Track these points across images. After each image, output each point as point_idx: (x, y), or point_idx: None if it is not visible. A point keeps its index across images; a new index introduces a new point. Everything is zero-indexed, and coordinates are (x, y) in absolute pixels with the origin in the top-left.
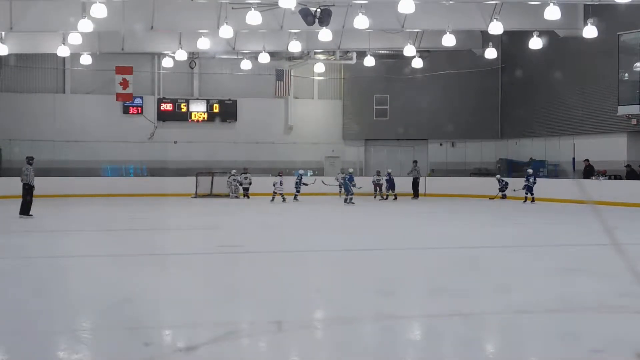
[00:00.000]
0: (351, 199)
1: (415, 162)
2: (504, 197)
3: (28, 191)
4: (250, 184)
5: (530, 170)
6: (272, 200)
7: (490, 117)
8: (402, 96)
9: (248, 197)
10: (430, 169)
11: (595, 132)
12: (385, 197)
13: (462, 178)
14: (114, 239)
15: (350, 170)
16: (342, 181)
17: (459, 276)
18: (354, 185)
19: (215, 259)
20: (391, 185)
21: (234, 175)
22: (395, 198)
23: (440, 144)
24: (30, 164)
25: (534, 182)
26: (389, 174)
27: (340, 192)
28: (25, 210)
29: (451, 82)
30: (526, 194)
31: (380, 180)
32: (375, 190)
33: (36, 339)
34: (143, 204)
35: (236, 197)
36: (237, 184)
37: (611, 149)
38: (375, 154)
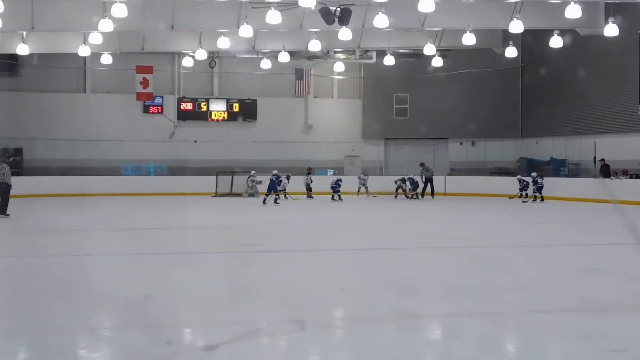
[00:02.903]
0: (276, 199)
1: (422, 164)
2: (524, 196)
3: (5, 190)
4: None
5: (534, 173)
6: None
7: (511, 116)
8: (422, 95)
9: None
10: (451, 168)
11: (616, 131)
12: (411, 196)
13: (482, 177)
14: (134, 238)
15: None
16: (362, 182)
17: (479, 275)
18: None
19: (235, 257)
20: (415, 185)
21: (252, 176)
22: (417, 197)
23: (461, 143)
24: (7, 163)
25: (542, 184)
26: (411, 179)
27: (358, 191)
28: (2, 209)
29: (471, 81)
30: (534, 192)
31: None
32: (397, 191)
33: (58, 337)
34: (163, 203)
35: (251, 195)
36: (254, 184)
37: (633, 148)
38: (395, 153)
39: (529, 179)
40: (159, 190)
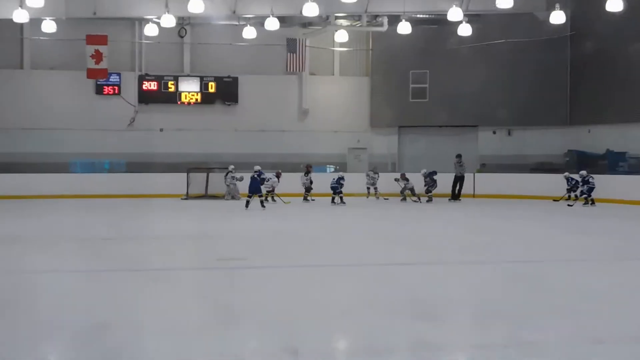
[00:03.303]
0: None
1: (459, 156)
2: (572, 198)
3: None
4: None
5: (584, 172)
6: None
7: (557, 98)
8: (446, 72)
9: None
10: (481, 164)
11: None
12: (417, 199)
13: (520, 175)
14: (87, 251)
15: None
16: (372, 182)
17: (516, 296)
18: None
19: (213, 275)
20: (431, 184)
21: (232, 172)
22: (419, 199)
23: (494, 132)
24: None
25: (593, 184)
26: (429, 175)
27: (368, 192)
28: None
29: (507, 54)
30: (584, 194)
31: (407, 184)
32: (403, 193)
33: None
34: (122, 208)
35: (232, 198)
36: (233, 182)
37: None
38: (411, 145)
39: (577, 177)
40: (116, 191)
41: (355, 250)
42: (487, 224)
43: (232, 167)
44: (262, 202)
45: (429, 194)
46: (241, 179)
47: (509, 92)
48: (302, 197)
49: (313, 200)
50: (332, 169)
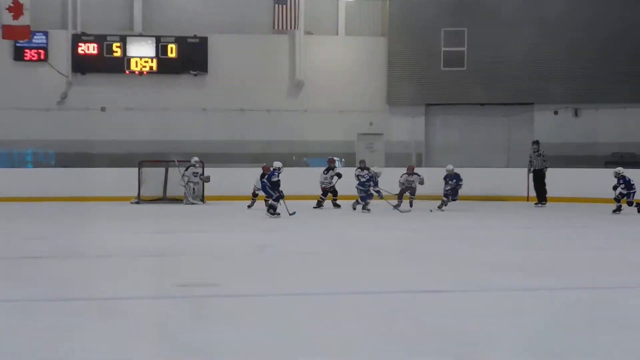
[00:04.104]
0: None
1: (536, 143)
2: (624, 201)
3: None
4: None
5: (620, 169)
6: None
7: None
8: (490, 31)
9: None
10: None
11: None
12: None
13: (590, 170)
14: (9, 273)
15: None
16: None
17: (589, 334)
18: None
19: (174, 305)
20: (454, 187)
21: (195, 166)
22: (445, 205)
23: (555, 112)
24: None
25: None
26: (455, 178)
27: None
28: None
29: (573, 8)
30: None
31: (411, 182)
32: (400, 195)
33: None
34: (51, 215)
35: (198, 201)
36: (194, 180)
37: None
38: (442, 130)
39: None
40: (41, 192)
41: (364, 273)
42: (542, 237)
43: (195, 159)
44: (271, 207)
45: (448, 200)
46: (207, 179)
47: (575, 59)
48: (316, 201)
49: (338, 206)
50: (337, 162)
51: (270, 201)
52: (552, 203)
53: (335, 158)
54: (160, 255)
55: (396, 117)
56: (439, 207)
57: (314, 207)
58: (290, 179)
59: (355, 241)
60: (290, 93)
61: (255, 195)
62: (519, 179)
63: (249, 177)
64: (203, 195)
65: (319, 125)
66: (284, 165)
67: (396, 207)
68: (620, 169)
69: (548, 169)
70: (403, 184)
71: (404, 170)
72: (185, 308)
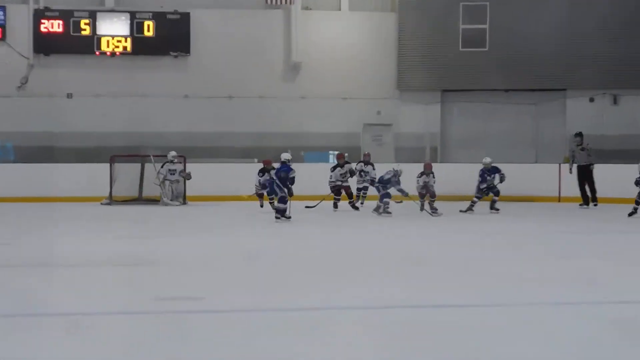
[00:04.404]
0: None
1: (579, 135)
2: None
3: None
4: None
5: None
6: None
7: None
8: (515, 6)
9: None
10: (570, 149)
11: None
12: (471, 207)
13: (634, 167)
14: None
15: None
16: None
17: (633, 355)
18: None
19: (149, 323)
20: (489, 185)
21: (172, 161)
22: (436, 211)
23: (591, 100)
24: None
25: None
26: (494, 172)
27: (358, 197)
28: None
29: None
30: None
31: (428, 182)
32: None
33: None
34: (11, 217)
35: (178, 201)
36: (175, 179)
37: None
38: (460, 120)
39: None
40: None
41: (372, 284)
42: (578, 242)
43: (172, 154)
44: (278, 211)
45: (479, 198)
46: (188, 176)
47: (614, 38)
48: (333, 203)
49: (361, 204)
50: (288, 154)
51: (276, 203)
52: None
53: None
54: (134, 265)
55: (407, 106)
56: (469, 208)
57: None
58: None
59: (363, 249)
60: (286, 77)
61: (261, 195)
62: (550, 177)
63: (238, 174)
64: (185, 195)
65: (319, 115)
66: (280, 161)
67: (433, 211)
68: None
69: (594, 165)
70: (422, 187)
71: (408, 165)
72: (164, 325)
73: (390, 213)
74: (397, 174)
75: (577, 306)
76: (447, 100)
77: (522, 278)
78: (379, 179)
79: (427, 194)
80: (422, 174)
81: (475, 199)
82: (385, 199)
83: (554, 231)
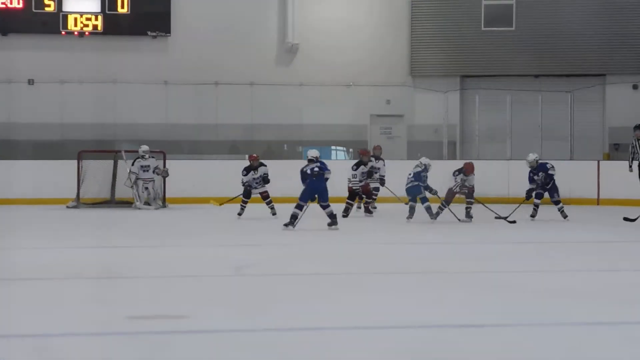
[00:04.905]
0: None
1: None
2: None
3: None
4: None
5: None
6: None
7: None
8: None
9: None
10: (612, 144)
11: None
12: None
13: None
14: None
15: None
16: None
17: None
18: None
19: (123, 345)
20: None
21: (143, 157)
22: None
23: (634, 87)
24: None
25: None
26: (541, 169)
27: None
28: None
29: None
30: None
31: (467, 181)
32: (449, 200)
33: None
34: None
35: (156, 204)
36: (149, 178)
37: None
38: (483, 110)
39: None
40: None
41: (387, 301)
42: (629, 252)
43: (144, 148)
44: (329, 218)
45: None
46: (166, 173)
47: None
48: (345, 208)
49: (375, 208)
50: (343, 153)
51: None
52: (631, 207)
53: (379, 146)
54: (105, 278)
55: (422, 94)
56: (531, 216)
57: (343, 216)
58: (280, 175)
59: (371, 259)
60: (280, 62)
61: (248, 196)
62: (587, 176)
63: (224, 172)
64: (164, 197)
65: (319, 104)
66: (273, 157)
67: (469, 218)
68: None
69: (609, 160)
70: (462, 186)
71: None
72: (139, 347)
73: (435, 218)
74: (426, 169)
75: (619, 326)
76: (468, 88)
77: (561, 294)
78: (413, 176)
79: (464, 195)
80: (458, 171)
81: (535, 206)
82: (426, 203)
83: (599, 238)
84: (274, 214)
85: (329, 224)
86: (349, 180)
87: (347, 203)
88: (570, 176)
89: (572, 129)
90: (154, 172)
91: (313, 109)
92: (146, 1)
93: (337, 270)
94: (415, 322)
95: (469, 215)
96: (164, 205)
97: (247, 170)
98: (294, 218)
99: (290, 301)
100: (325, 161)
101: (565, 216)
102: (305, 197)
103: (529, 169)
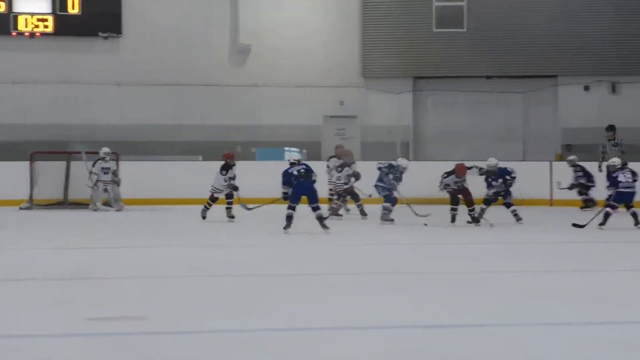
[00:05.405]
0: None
1: (612, 129)
2: None
3: None
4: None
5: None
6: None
7: None
8: None
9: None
10: (564, 144)
11: None
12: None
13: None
14: None
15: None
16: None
17: None
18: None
19: (84, 346)
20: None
21: (104, 159)
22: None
23: (586, 88)
24: None
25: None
26: (502, 175)
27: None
28: None
29: None
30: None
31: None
32: (455, 200)
33: None
34: None
35: (117, 206)
36: (109, 180)
37: None
38: (436, 111)
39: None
40: None
41: (379, 301)
42: (606, 255)
43: (105, 150)
44: (323, 221)
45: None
46: (116, 178)
47: (612, 18)
48: (335, 213)
49: (347, 210)
50: (297, 153)
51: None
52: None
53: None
54: (63, 279)
55: (375, 95)
56: (480, 218)
57: (331, 214)
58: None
59: (354, 258)
60: (234, 62)
61: (214, 199)
62: (540, 177)
63: (179, 173)
64: (118, 197)
65: (273, 105)
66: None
67: (476, 222)
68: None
69: (561, 161)
70: (457, 187)
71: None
72: (101, 349)
73: (392, 220)
74: (397, 170)
75: (604, 326)
76: (421, 89)
77: (550, 294)
78: (379, 177)
79: (462, 197)
80: (448, 174)
81: (483, 206)
82: (391, 204)
83: (582, 241)
84: (232, 216)
85: (322, 226)
86: (329, 182)
87: (334, 203)
88: (523, 177)
89: (525, 129)
90: (112, 175)
91: (267, 110)
92: (97, 2)
93: (329, 270)
94: (406, 322)
95: (474, 219)
96: (122, 208)
97: (225, 169)
98: (289, 219)
99: (281, 301)
100: (275, 162)
101: (518, 219)
102: (294, 199)
103: (486, 170)
